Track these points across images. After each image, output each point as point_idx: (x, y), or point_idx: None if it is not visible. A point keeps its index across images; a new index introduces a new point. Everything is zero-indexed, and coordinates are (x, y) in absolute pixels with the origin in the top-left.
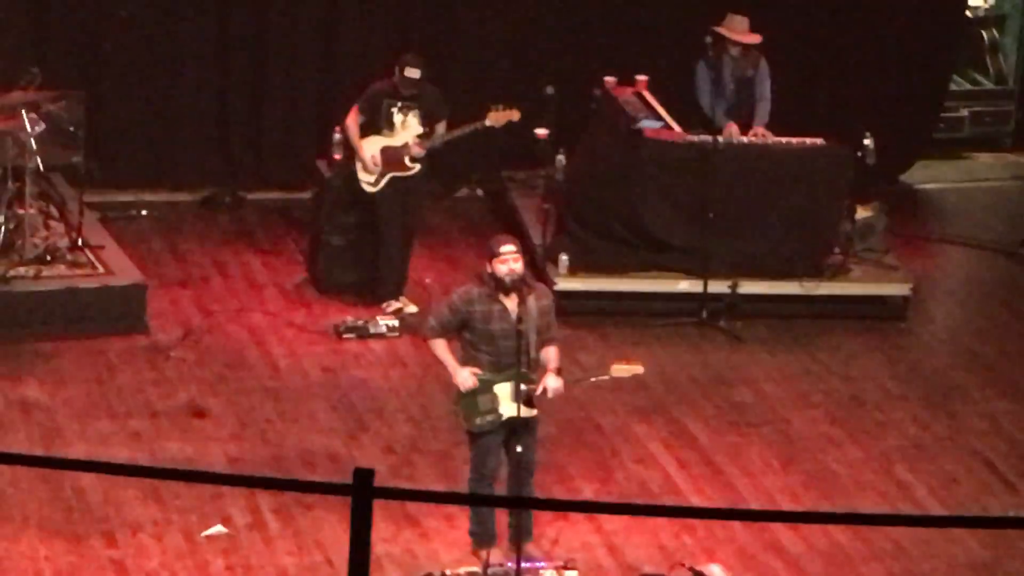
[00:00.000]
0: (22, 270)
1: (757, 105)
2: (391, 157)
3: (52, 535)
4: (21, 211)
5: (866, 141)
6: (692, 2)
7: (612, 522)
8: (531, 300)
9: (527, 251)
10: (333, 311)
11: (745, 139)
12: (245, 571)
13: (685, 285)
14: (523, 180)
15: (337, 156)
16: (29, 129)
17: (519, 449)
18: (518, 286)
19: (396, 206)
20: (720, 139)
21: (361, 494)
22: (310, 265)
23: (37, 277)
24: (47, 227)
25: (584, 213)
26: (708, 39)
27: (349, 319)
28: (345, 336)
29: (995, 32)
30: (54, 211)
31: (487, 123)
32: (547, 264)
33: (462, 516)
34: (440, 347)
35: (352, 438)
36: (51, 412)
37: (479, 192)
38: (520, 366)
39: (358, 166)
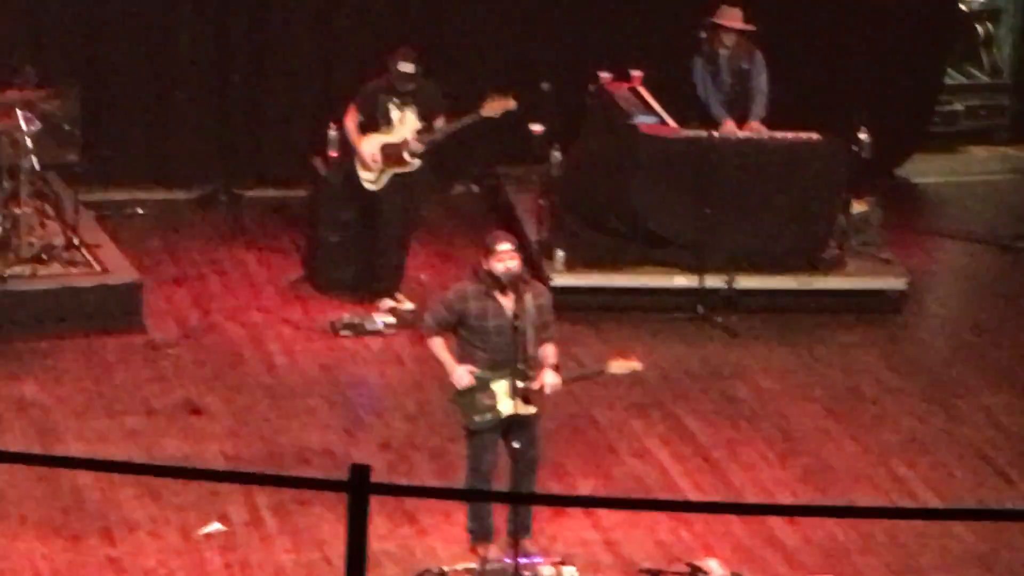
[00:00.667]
0: (18, 269)
1: (753, 99)
2: (391, 154)
3: (49, 533)
4: (17, 210)
5: (861, 135)
6: None
7: (610, 517)
8: (528, 297)
9: (523, 247)
10: (330, 308)
11: (741, 134)
12: (243, 569)
13: (681, 280)
14: (519, 176)
15: (333, 153)
16: (24, 127)
17: (516, 445)
18: (515, 283)
19: (398, 203)
20: (716, 134)
21: (358, 490)
22: (307, 262)
23: (33, 276)
24: (43, 226)
25: (580, 208)
26: (703, 33)
27: (346, 316)
28: (342, 333)
29: (990, 26)
30: (50, 210)
31: (483, 113)
32: (543, 259)
33: (460, 512)
34: (437, 345)
35: (349, 435)
36: (48, 410)
37: (475, 188)
38: (517, 363)
39: (358, 165)
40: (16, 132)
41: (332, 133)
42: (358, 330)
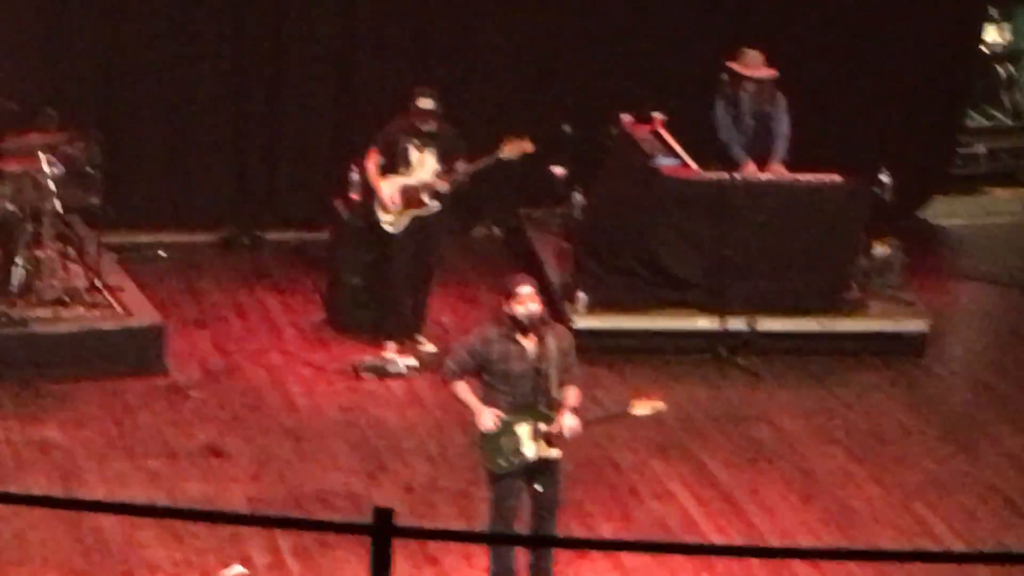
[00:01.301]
0: (41, 312)
1: (775, 142)
2: (410, 196)
3: None
4: (40, 253)
5: (883, 177)
6: (707, 39)
7: (631, 560)
8: (550, 340)
9: (544, 289)
10: (351, 350)
11: (762, 176)
12: None
13: (703, 322)
14: (540, 218)
15: (354, 196)
16: (47, 171)
17: (538, 488)
18: (536, 326)
19: (414, 246)
20: (737, 176)
21: (381, 533)
22: (328, 305)
23: (56, 319)
24: (65, 268)
25: (601, 251)
26: (724, 76)
27: (367, 358)
28: (363, 375)
29: (1011, 68)
30: (72, 252)
31: (501, 156)
32: (565, 302)
33: (482, 555)
34: (461, 389)
35: (371, 477)
36: (70, 453)
37: (496, 230)
38: (539, 406)
39: (377, 206)
40: (39, 176)
41: (353, 176)
42: (380, 372)
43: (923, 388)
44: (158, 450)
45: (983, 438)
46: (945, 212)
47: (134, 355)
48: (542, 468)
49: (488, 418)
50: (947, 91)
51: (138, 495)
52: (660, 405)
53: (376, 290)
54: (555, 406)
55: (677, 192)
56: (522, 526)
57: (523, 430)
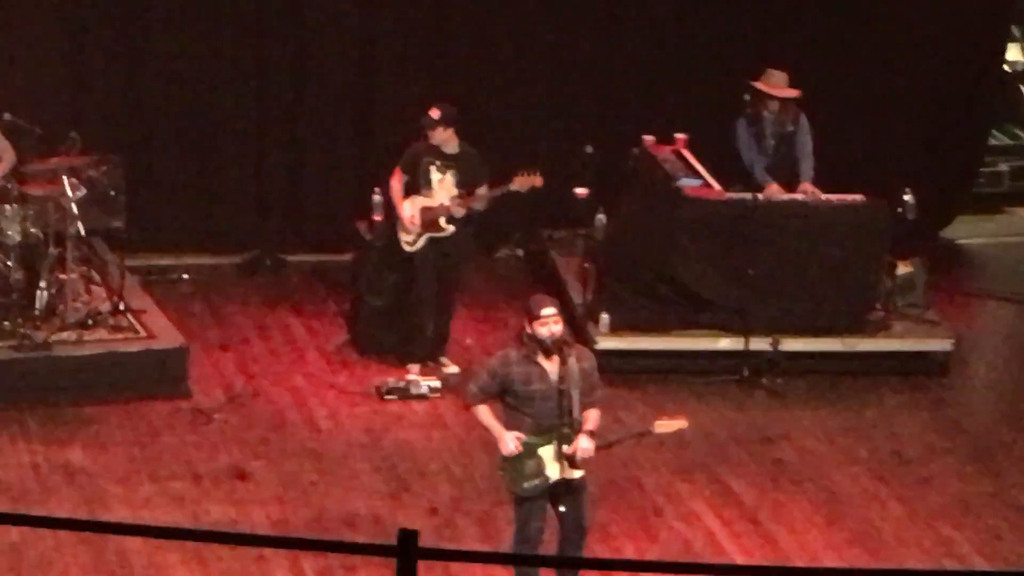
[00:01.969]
0: (64, 335)
1: (801, 162)
2: (428, 217)
3: None
4: (63, 276)
5: (906, 197)
6: (730, 59)
7: None
8: (572, 361)
9: (567, 310)
10: (374, 372)
11: (786, 197)
12: None
13: (726, 343)
14: (563, 239)
15: (377, 217)
16: (70, 194)
17: (563, 510)
18: (559, 347)
19: (431, 267)
20: (760, 196)
21: (405, 556)
22: (351, 327)
23: (79, 341)
24: (89, 291)
25: (624, 272)
26: (747, 96)
27: (391, 380)
28: (387, 397)
29: None
30: (95, 275)
31: (512, 188)
32: (588, 323)
33: None
34: (483, 412)
35: (395, 499)
36: (94, 476)
37: (519, 252)
38: (563, 427)
39: (398, 227)
40: (62, 199)
41: (376, 198)
42: (403, 394)
43: (947, 408)
44: (182, 472)
45: (1008, 458)
46: (968, 231)
47: (158, 378)
48: (566, 490)
49: (510, 442)
50: (969, 110)
51: (162, 517)
52: (682, 423)
53: (399, 312)
54: (578, 427)
55: (700, 213)
56: (548, 547)
57: (546, 452)
